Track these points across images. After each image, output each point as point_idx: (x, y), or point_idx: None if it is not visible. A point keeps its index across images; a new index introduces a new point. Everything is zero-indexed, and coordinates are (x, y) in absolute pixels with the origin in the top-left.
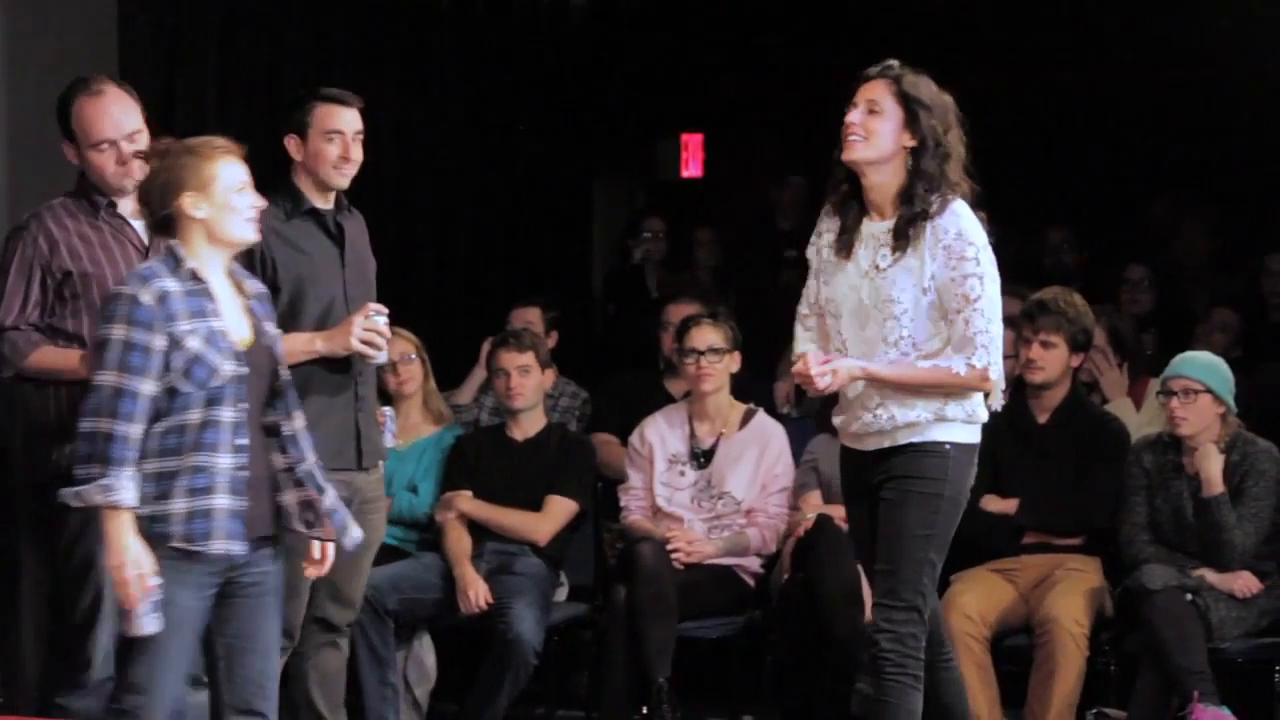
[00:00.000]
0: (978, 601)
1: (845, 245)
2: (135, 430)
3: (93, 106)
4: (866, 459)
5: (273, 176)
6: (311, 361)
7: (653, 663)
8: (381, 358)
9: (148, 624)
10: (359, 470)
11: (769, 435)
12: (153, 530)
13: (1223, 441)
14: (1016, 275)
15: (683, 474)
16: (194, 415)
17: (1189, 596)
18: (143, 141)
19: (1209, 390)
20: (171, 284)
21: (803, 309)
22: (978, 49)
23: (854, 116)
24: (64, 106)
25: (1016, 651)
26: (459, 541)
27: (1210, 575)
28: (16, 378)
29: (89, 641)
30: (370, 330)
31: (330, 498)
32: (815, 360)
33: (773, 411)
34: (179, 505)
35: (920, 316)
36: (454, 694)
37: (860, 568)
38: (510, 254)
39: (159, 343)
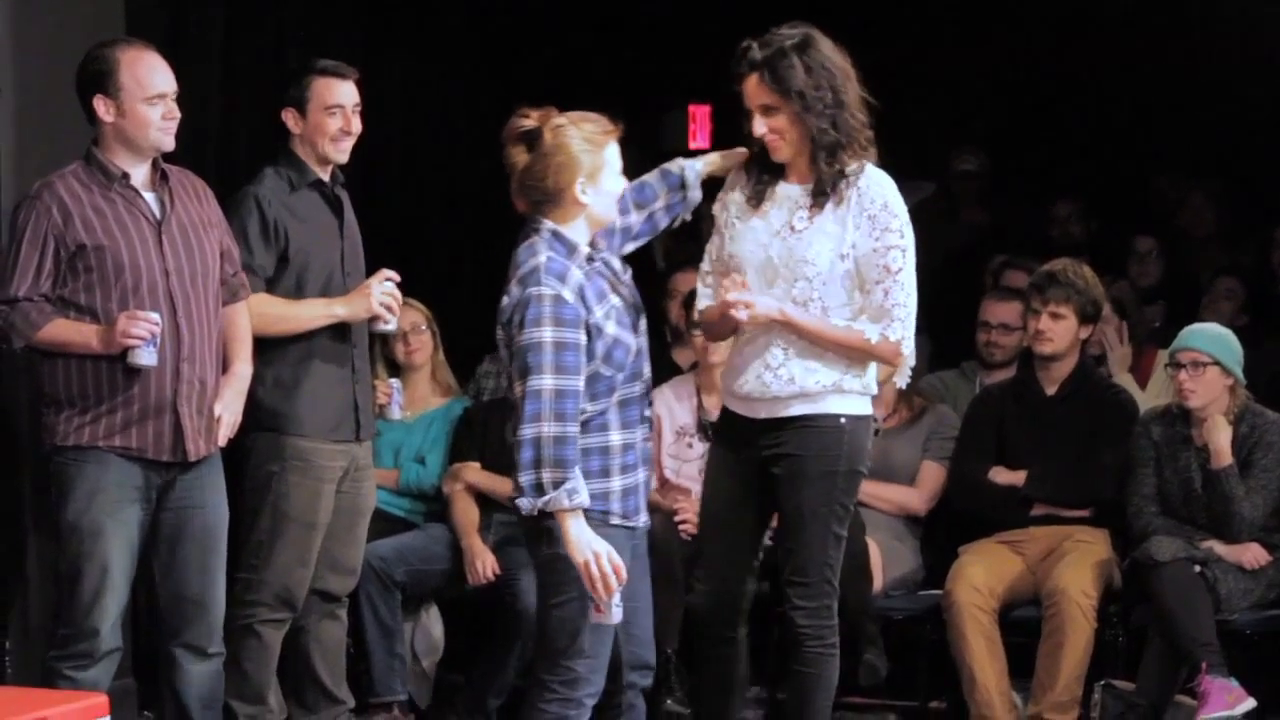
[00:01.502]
0: (985, 573)
1: (756, 198)
2: (576, 429)
3: (145, 60)
4: (754, 428)
5: (273, 147)
6: (311, 336)
7: (661, 634)
8: (392, 325)
9: (617, 614)
10: (356, 442)
11: None
12: (594, 512)
13: (1232, 413)
14: (1024, 247)
15: (690, 446)
16: (616, 395)
17: (1197, 568)
18: (177, 108)
19: (1217, 362)
20: (578, 273)
21: (704, 266)
22: (985, 21)
23: (759, 128)
24: (103, 63)
25: (1025, 623)
26: (466, 513)
27: (1219, 547)
28: (26, 348)
29: (96, 612)
30: (387, 295)
31: None
32: (737, 281)
33: None
34: (616, 484)
35: (833, 281)
36: (461, 665)
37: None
38: (517, 225)
39: (584, 338)
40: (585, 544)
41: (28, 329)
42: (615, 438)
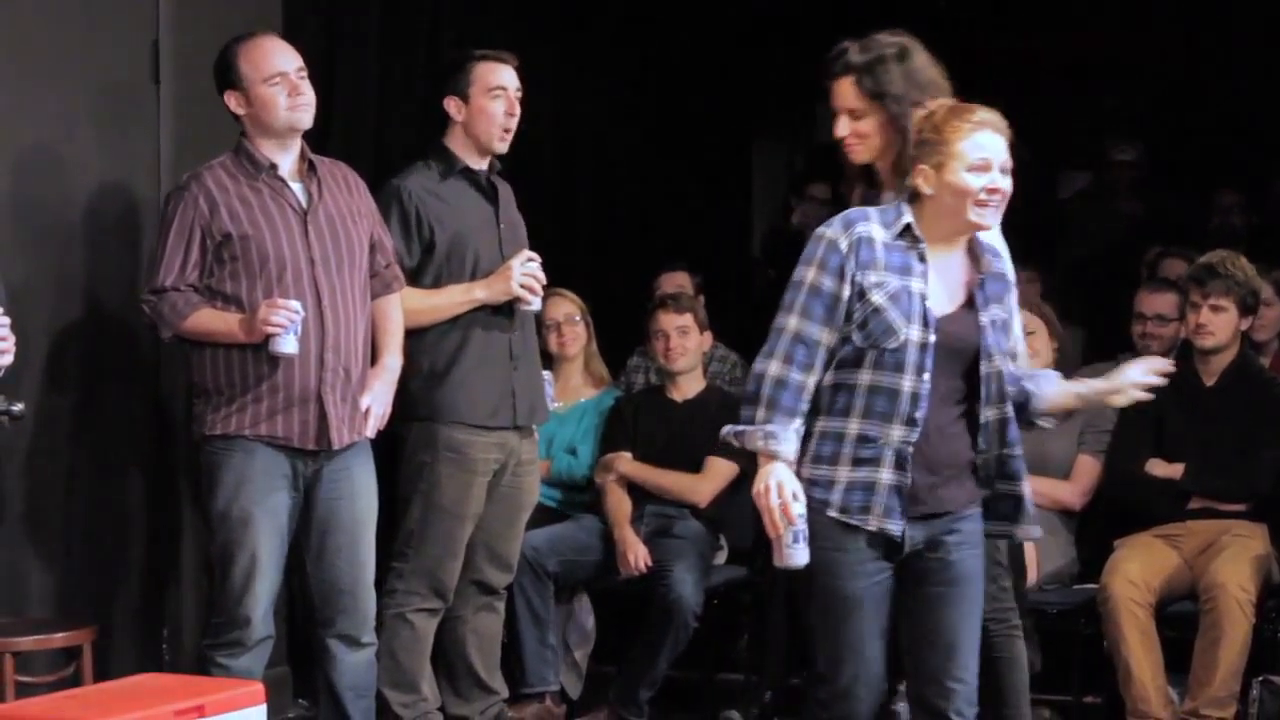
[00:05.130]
0: (1142, 568)
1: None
2: (803, 376)
3: (260, 45)
4: None
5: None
6: (469, 319)
7: None
8: (536, 305)
9: (794, 555)
10: (513, 430)
11: None
12: (814, 498)
13: None
14: (1180, 237)
15: None
16: (866, 375)
17: None
18: (308, 83)
19: None
20: (878, 231)
21: None
22: (1145, 7)
23: (840, 129)
24: (226, 59)
25: (1181, 618)
26: (619, 504)
27: None
28: (175, 338)
29: (248, 600)
30: (528, 275)
31: None
32: None
33: None
34: (843, 474)
35: None
36: (613, 656)
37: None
38: (669, 218)
39: (845, 290)
40: (766, 476)
41: (175, 318)
42: (853, 426)
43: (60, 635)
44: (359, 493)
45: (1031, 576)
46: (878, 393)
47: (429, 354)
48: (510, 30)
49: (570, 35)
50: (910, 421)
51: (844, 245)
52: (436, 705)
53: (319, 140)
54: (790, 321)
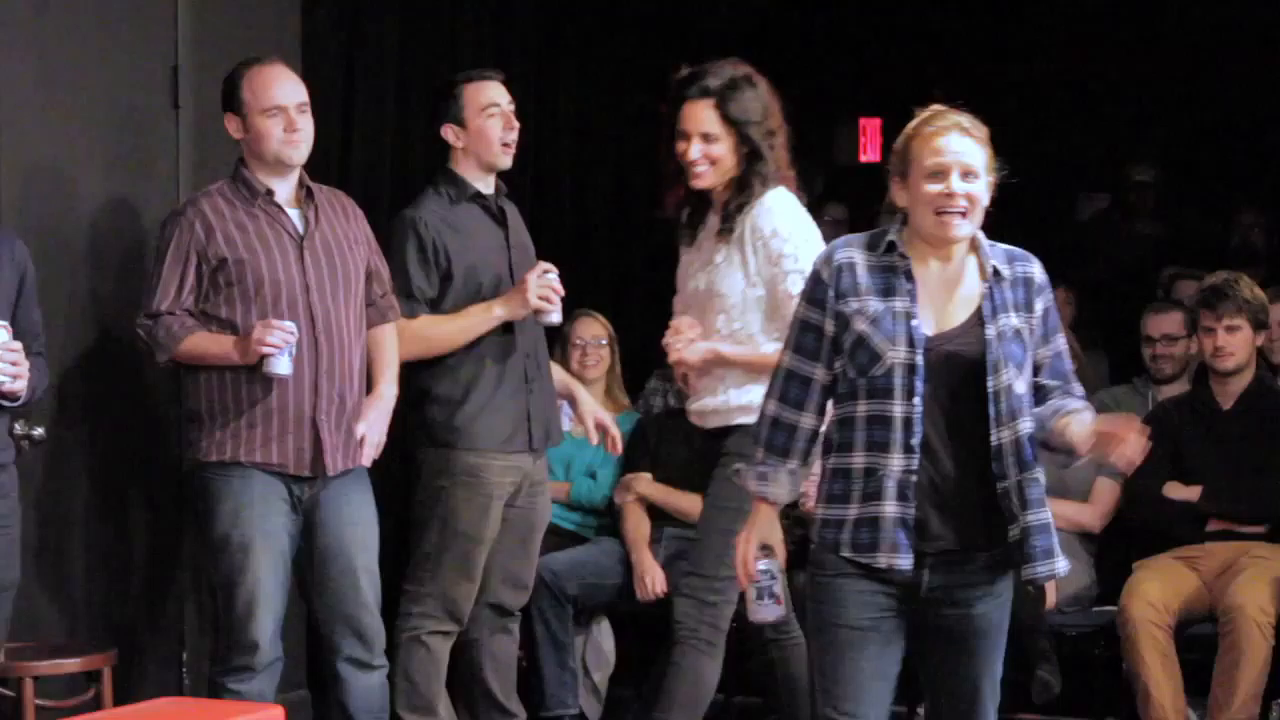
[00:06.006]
0: (1161, 589)
1: (691, 238)
2: (799, 416)
3: (263, 74)
4: (708, 438)
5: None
6: (482, 345)
7: None
8: (555, 316)
9: (759, 611)
10: (529, 453)
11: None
12: (826, 539)
13: None
14: (1198, 258)
15: None
16: (863, 406)
17: None
18: (307, 118)
19: None
20: (859, 255)
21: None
22: (1160, 30)
23: (693, 153)
24: (232, 81)
25: (1200, 640)
26: (637, 526)
27: None
28: (170, 362)
29: (252, 626)
30: (545, 286)
31: None
32: (684, 324)
33: None
34: (853, 512)
35: (749, 309)
36: (633, 679)
37: None
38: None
39: (829, 324)
40: (747, 525)
41: (170, 342)
42: (859, 460)
43: (79, 659)
44: (357, 519)
45: (1050, 599)
46: (875, 422)
47: (445, 381)
48: (530, 50)
49: (590, 51)
50: (907, 449)
51: (826, 276)
52: None
53: (339, 164)
54: (785, 358)
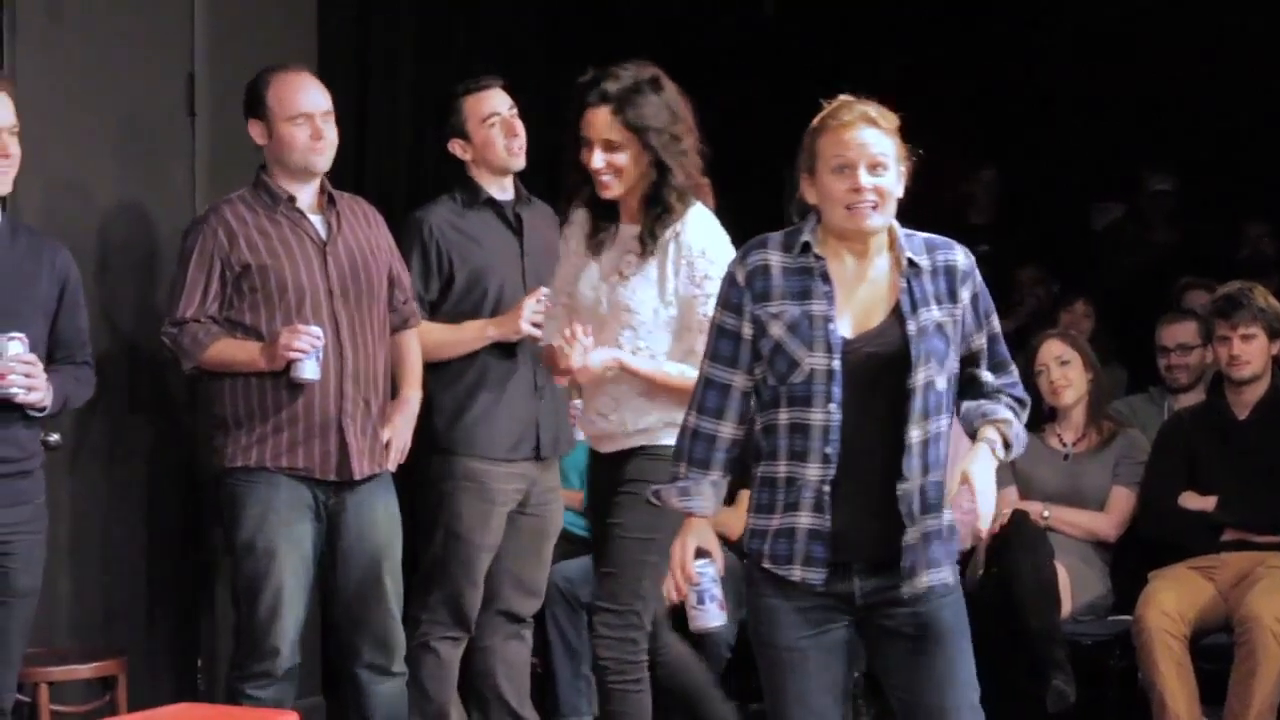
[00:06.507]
0: (1176, 599)
1: (595, 246)
2: (716, 426)
3: (291, 81)
4: (605, 463)
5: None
6: (488, 352)
7: None
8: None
9: (700, 618)
10: (536, 461)
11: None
12: (752, 550)
13: None
14: (1211, 268)
15: None
16: (784, 415)
17: None
18: (332, 126)
19: None
20: (774, 257)
21: (557, 294)
22: (1177, 43)
23: (597, 162)
24: (256, 87)
25: (1216, 650)
26: None
27: None
28: (195, 370)
29: (275, 632)
30: (539, 313)
31: None
32: (581, 331)
33: None
34: (776, 522)
35: (659, 329)
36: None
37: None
38: None
39: (746, 328)
40: (679, 534)
41: (195, 349)
42: (782, 469)
43: (94, 665)
44: (381, 524)
45: (1066, 608)
46: (795, 430)
47: (451, 387)
48: (542, 59)
49: (604, 57)
50: (824, 459)
51: (741, 279)
52: None
53: (354, 172)
54: (703, 367)
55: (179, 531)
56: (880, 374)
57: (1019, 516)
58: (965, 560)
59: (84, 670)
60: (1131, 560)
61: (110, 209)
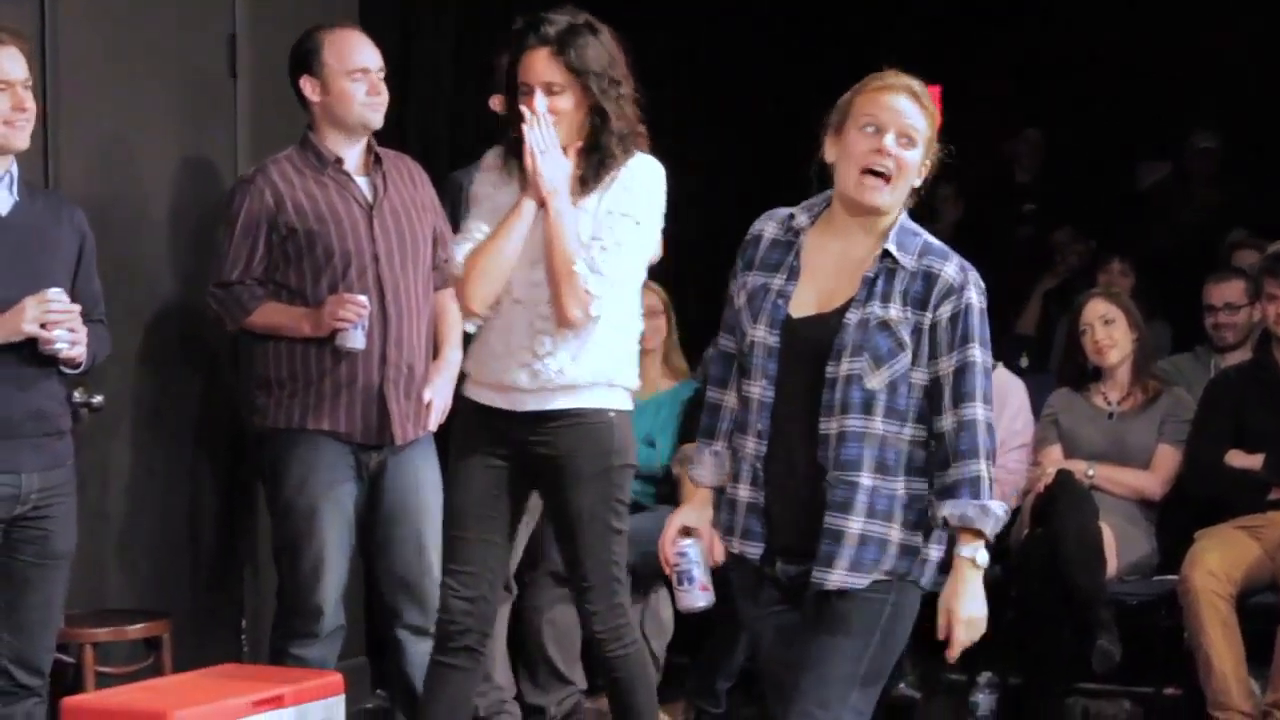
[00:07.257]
0: (1222, 559)
1: (524, 185)
2: (719, 394)
3: (349, 37)
4: (514, 420)
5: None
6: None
7: None
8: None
9: (684, 599)
10: None
11: (1007, 390)
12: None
13: None
14: (1260, 225)
15: None
16: (743, 384)
17: None
18: (383, 85)
19: None
20: (771, 226)
21: (476, 230)
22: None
23: (539, 105)
24: (308, 43)
25: (1262, 610)
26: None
27: None
28: (241, 331)
29: (318, 591)
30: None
31: None
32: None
33: (1013, 366)
34: (741, 493)
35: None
36: (690, 648)
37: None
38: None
39: (740, 296)
40: (679, 509)
41: (240, 312)
42: (736, 439)
43: (139, 626)
44: (423, 485)
45: (1111, 567)
46: (743, 402)
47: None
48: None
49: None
50: (758, 434)
51: (742, 247)
52: (512, 694)
53: (396, 136)
54: (719, 338)
55: (223, 493)
56: (813, 359)
57: (1064, 476)
58: (1010, 521)
59: (129, 631)
60: (1177, 520)
61: (153, 171)
